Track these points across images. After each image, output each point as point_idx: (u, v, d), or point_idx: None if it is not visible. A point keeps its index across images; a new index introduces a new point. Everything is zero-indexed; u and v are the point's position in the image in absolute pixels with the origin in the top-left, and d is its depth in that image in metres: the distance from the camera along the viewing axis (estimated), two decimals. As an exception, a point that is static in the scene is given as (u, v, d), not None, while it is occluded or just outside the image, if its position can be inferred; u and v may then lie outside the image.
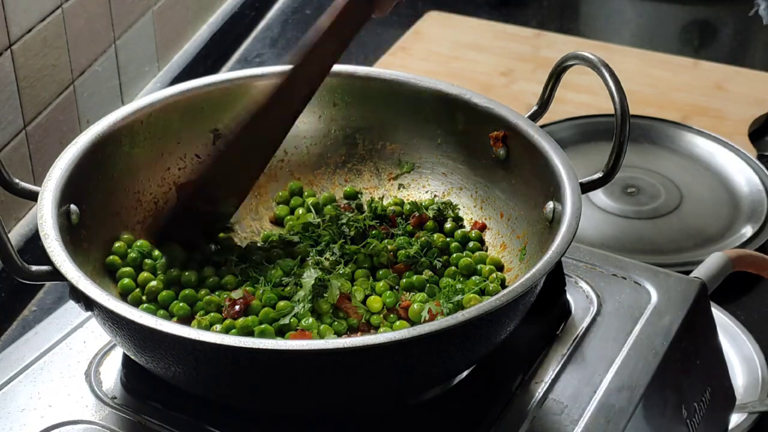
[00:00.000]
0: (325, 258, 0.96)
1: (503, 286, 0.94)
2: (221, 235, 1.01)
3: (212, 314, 0.91)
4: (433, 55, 1.98)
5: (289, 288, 0.92)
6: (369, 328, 0.92)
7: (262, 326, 0.88)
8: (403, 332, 0.77)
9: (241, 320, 0.89)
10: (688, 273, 1.07)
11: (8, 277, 1.06)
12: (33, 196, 0.91)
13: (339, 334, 0.90)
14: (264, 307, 0.90)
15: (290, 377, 0.80)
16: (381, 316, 0.92)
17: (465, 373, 0.90)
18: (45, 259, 0.84)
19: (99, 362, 0.94)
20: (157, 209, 1.02)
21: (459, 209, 1.04)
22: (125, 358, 0.92)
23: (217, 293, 0.93)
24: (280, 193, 1.07)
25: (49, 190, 0.90)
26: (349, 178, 1.08)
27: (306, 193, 1.07)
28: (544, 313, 0.96)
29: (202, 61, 1.87)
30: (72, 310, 0.93)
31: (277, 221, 1.06)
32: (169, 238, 0.98)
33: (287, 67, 0.96)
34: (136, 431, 0.87)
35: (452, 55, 1.99)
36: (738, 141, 1.70)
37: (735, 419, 1.20)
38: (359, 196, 1.06)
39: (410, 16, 2.12)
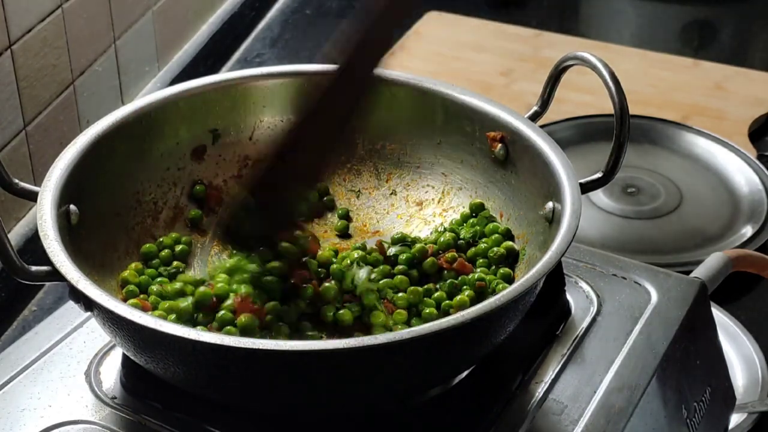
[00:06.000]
0: None
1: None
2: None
3: None
4: (433, 55, 1.98)
5: None
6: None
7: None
8: (403, 332, 0.77)
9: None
10: (688, 273, 1.06)
11: (8, 277, 1.06)
12: (33, 197, 0.91)
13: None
14: None
15: (290, 378, 0.80)
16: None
17: (465, 373, 0.90)
18: (45, 259, 0.84)
19: (99, 362, 0.94)
20: (156, 209, 1.02)
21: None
22: (125, 358, 0.92)
23: None
24: None
25: (49, 190, 0.90)
26: (348, 178, 1.08)
27: None
28: (544, 313, 0.96)
29: (202, 61, 1.87)
30: (72, 310, 0.93)
31: None
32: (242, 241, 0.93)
33: (289, 68, 0.95)
34: (136, 431, 0.87)
35: (452, 55, 1.99)
36: (738, 141, 1.70)
37: (735, 419, 1.20)
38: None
39: (410, 16, 2.12)
